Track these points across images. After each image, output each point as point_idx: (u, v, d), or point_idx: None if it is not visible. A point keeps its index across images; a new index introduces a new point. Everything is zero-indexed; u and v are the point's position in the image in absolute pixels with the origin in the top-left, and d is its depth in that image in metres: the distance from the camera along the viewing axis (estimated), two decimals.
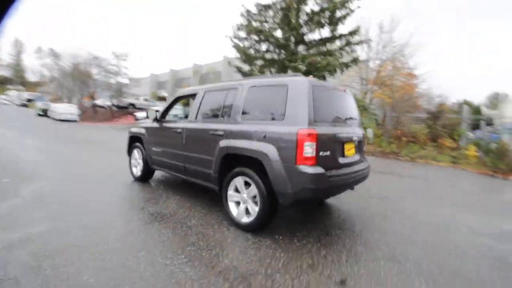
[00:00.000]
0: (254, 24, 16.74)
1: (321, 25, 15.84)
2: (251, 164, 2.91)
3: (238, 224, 2.98)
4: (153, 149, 4.33)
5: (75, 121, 21.91)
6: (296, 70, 14.66)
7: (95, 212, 3.21)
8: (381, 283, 2.10)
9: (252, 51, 17.30)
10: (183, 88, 40.04)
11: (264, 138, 2.72)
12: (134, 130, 4.95)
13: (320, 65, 13.82)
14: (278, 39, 15.69)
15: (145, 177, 4.75)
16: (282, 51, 16.71)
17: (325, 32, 16.78)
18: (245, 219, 2.93)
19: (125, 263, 2.19)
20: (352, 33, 15.45)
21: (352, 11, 15.05)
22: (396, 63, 22.09)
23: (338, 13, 15.26)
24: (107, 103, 28.34)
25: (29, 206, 3.28)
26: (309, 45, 17.26)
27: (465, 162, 8.74)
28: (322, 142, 2.60)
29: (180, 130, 3.77)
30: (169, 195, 4.10)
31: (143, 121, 5.19)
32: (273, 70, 17.83)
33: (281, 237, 2.81)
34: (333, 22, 15.45)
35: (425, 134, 11.74)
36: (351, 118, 3.28)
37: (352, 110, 3.36)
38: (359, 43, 15.29)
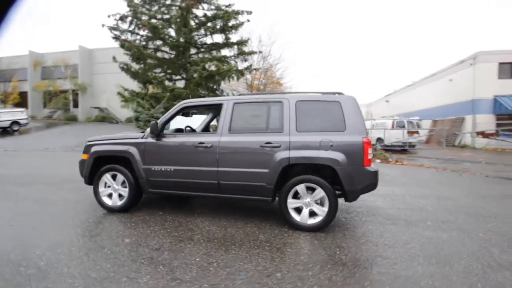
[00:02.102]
0: (143, 17, 15.09)
1: (214, 31, 16.41)
2: (312, 171, 3.28)
3: (302, 227, 3.24)
4: (155, 169, 3.62)
5: None
6: (198, 73, 14.57)
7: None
8: (429, 238, 3.11)
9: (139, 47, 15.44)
10: (14, 82, 29.76)
11: (331, 147, 3.16)
12: (105, 148, 3.84)
13: (222, 70, 14.38)
14: (174, 39, 14.93)
15: (131, 205, 3.83)
16: (175, 52, 16.00)
17: (217, 38, 17.51)
18: (312, 221, 3.25)
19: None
20: (242, 42, 16.96)
21: (242, 23, 16.47)
22: (268, 73, 26.01)
23: (230, 23, 16.31)
24: None
25: None
26: (201, 49, 17.47)
27: None
28: (372, 146, 3.35)
29: (210, 145, 3.44)
30: (184, 219, 3.62)
31: (110, 136, 4.06)
32: (168, 71, 16.77)
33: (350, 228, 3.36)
34: (226, 30, 16.37)
35: None
36: None
37: None
38: (251, 53, 17.02)
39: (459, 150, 16.26)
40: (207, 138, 3.53)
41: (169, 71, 16.88)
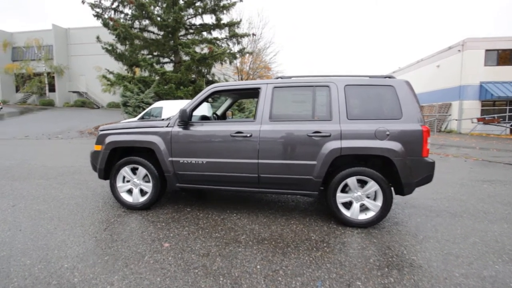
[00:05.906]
0: None
1: (205, 11, 15.46)
2: (360, 162, 3.04)
3: (352, 223, 3.00)
4: (185, 161, 3.21)
5: None
6: (190, 55, 13.77)
7: None
8: (484, 231, 2.99)
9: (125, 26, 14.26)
10: None
11: (387, 136, 2.88)
12: (123, 138, 3.35)
13: (215, 53, 13.64)
14: (163, 18, 13.88)
15: (154, 202, 3.42)
16: (163, 32, 14.95)
17: (207, 19, 16.55)
18: (363, 216, 3.01)
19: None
20: (234, 24, 16.14)
21: (234, 3, 15.60)
22: (258, 57, 25.29)
23: (222, 2, 15.40)
24: None
25: None
26: (190, 30, 16.48)
27: None
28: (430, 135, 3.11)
29: (249, 134, 3.05)
30: (218, 217, 3.29)
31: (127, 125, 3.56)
32: (155, 53, 15.74)
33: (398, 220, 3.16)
34: (217, 10, 15.47)
35: None
36: None
37: None
38: (244, 35, 16.25)
39: (447, 135, 16.77)
40: (245, 127, 3.13)
41: (156, 53, 15.86)
